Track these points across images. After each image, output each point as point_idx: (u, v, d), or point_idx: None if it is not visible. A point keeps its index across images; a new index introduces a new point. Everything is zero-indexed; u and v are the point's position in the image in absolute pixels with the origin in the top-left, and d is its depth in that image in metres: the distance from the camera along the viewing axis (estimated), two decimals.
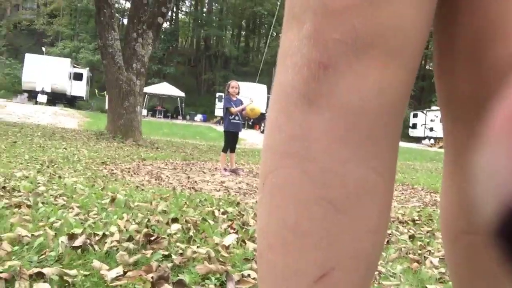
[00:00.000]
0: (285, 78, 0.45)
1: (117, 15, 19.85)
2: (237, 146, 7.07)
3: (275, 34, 30.65)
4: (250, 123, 25.42)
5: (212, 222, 2.17)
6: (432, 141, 30.41)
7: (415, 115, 35.22)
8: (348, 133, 0.42)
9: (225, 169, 5.99)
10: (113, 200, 2.51)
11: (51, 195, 2.58)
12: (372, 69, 0.41)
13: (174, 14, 42.49)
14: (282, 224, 0.43)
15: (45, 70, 25.64)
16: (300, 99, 0.42)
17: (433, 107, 35.86)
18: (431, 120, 32.34)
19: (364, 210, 0.43)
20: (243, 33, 49.22)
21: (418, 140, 32.87)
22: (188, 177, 5.10)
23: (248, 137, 17.57)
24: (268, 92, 28.31)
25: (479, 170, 0.17)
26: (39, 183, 3.05)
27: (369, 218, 0.43)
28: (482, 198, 0.16)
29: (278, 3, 15.78)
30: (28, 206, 2.18)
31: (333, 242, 0.42)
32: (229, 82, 6.30)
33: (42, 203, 2.30)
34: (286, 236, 0.43)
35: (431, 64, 46.71)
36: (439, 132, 30.90)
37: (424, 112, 34.16)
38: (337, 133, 0.42)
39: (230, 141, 6.22)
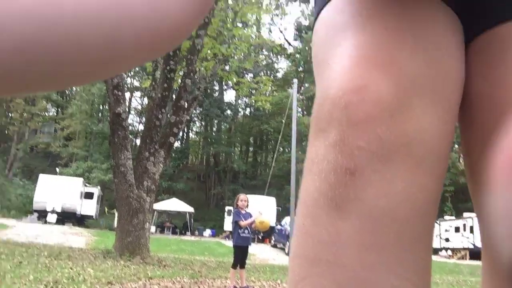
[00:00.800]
0: (311, 185, 0.45)
1: (130, 136, 20.80)
2: (247, 261, 6.88)
3: (281, 149, 31.74)
4: (260, 237, 24.92)
5: None
6: (449, 252, 29.28)
7: None
8: (376, 238, 0.41)
9: (235, 287, 5.77)
10: None
11: None
12: (399, 175, 0.42)
13: (185, 134, 44.54)
14: None
15: (57, 189, 26.06)
16: (327, 204, 0.42)
17: (446, 217, 35.20)
18: (446, 230, 31.52)
19: None
20: (251, 149, 50.91)
21: (435, 251, 31.66)
22: None
23: (259, 252, 17.09)
24: (277, 205, 28.24)
25: (492, 212, 0.16)
26: None
27: None
28: (499, 239, 0.15)
29: (283, 121, 16.61)
30: None
31: None
32: (238, 196, 6.37)
33: None
34: None
35: None
36: (455, 242, 29.89)
37: (438, 222, 33.48)
38: (366, 239, 0.41)
39: (240, 256, 6.08)
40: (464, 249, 28.90)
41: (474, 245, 28.21)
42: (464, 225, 29.39)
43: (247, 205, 6.21)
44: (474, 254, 27.63)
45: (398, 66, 0.44)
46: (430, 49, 0.46)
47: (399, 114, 0.42)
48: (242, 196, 6.30)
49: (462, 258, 27.72)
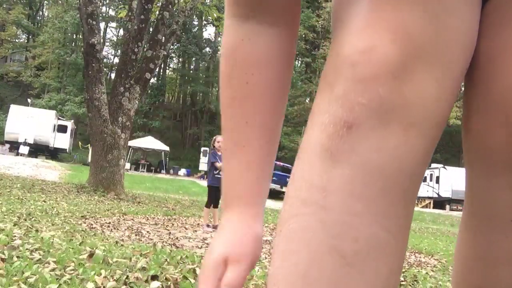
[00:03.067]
0: (312, 135, 0.48)
1: (105, 69, 20.18)
2: (221, 201, 7.00)
3: None
4: None
5: (193, 281, 2.11)
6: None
7: None
8: (364, 189, 0.44)
9: (208, 225, 5.90)
10: (91, 255, 2.44)
11: (27, 249, 2.49)
12: (393, 134, 0.44)
13: (161, 70, 43.48)
14: (293, 269, 0.45)
15: (29, 121, 25.53)
16: (323, 153, 0.46)
17: None
18: None
19: (374, 266, 0.44)
20: None
21: None
22: (170, 233, 4.99)
23: None
24: None
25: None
26: (15, 236, 2.95)
27: (378, 275, 0.44)
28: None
29: None
30: (3, 260, 2.09)
31: None
32: (215, 137, 6.37)
33: (17, 257, 2.22)
34: (295, 282, 0.45)
35: None
36: (421, 191, 31.22)
37: None
38: (354, 188, 0.44)
39: (214, 196, 6.18)
40: (428, 198, 30.28)
41: (438, 194, 29.57)
42: (431, 175, 30.58)
43: None
44: (438, 203, 29.05)
45: (407, 31, 0.46)
46: (442, 15, 0.47)
47: (402, 77, 0.45)
48: (219, 137, 6.28)
49: (426, 206, 29.11)
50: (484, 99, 0.55)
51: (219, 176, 6.16)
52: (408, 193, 0.47)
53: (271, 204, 10.40)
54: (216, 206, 6.22)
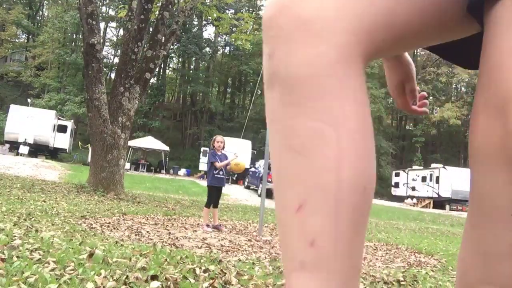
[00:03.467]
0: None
1: (105, 69, 20.15)
2: (221, 201, 7.00)
3: (259, 92, 31.46)
4: (234, 178, 25.33)
5: (193, 281, 2.11)
6: (414, 200, 30.62)
7: (397, 174, 35.65)
8: (293, 97, 0.56)
9: (207, 225, 5.89)
10: (90, 255, 2.43)
11: (26, 249, 2.49)
12: (302, 46, 0.55)
13: (161, 70, 43.46)
14: (275, 168, 0.59)
15: (29, 121, 25.51)
16: (266, 83, 0.60)
17: (414, 167, 36.45)
18: (413, 179, 32.75)
19: (319, 153, 0.55)
20: (229, 90, 50.38)
21: (400, 199, 33.05)
22: (169, 233, 4.99)
23: (232, 193, 17.45)
24: (253, 148, 28.51)
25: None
26: (15, 236, 2.95)
27: (325, 159, 0.54)
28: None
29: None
30: (2, 260, 2.09)
31: (302, 179, 0.55)
32: (214, 137, 6.36)
33: (17, 257, 2.21)
34: (275, 178, 0.59)
35: (411, 124, 48.07)
36: (421, 191, 31.20)
37: (406, 171, 34.67)
38: (286, 99, 0.56)
39: (214, 196, 6.17)
40: (428, 198, 30.26)
41: (438, 194, 29.56)
42: (431, 175, 30.57)
43: (223, 147, 6.22)
44: (438, 203, 29.04)
45: None
46: None
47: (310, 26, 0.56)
48: (218, 137, 6.28)
49: (426, 206, 29.10)
50: (488, 101, 0.58)
51: (219, 176, 6.15)
52: (343, 88, 0.56)
53: (271, 204, 10.40)
54: (216, 206, 6.22)
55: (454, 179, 28.39)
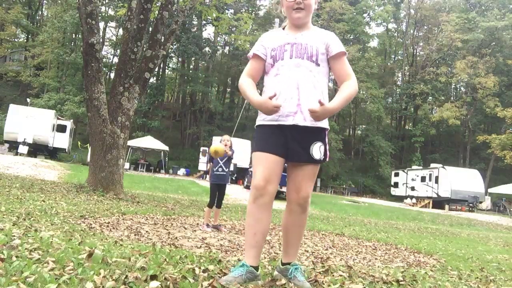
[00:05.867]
0: None
1: (104, 69, 20.11)
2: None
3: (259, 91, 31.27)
4: (233, 178, 25.33)
5: (192, 280, 2.11)
6: (414, 200, 30.61)
7: (396, 174, 35.64)
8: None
9: (207, 225, 5.89)
10: (90, 255, 2.43)
11: (26, 248, 2.49)
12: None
13: (161, 70, 43.41)
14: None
15: (28, 121, 25.48)
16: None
17: (414, 167, 36.43)
18: (412, 179, 32.74)
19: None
20: (228, 89, 50.33)
21: (400, 199, 33.05)
22: (169, 233, 4.98)
23: (232, 193, 17.44)
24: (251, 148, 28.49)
25: None
26: (14, 236, 2.94)
27: None
28: None
29: None
30: (2, 260, 2.09)
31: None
32: (214, 137, 6.35)
33: (16, 256, 2.21)
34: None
35: (410, 124, 48.00)
36: (420, 191, 31.19)
37: (405, 171, 34.66)
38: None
39: (216, 194, 6.15)
40: (428, 197, 30.24)
41: (437, 194, 29.53)
42: (430, 175, 30.55)
43: (230, 147, 6.14)
44: (437, 203, 29.04)
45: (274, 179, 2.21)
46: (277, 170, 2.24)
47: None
48: (225, 137, 6.24)
49: (425, 206, 29.08)
50: None
51: (218, 172, 6.13)
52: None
53: None
54: (219, 206, 6.19)
55: (453, 179, 28.39)
